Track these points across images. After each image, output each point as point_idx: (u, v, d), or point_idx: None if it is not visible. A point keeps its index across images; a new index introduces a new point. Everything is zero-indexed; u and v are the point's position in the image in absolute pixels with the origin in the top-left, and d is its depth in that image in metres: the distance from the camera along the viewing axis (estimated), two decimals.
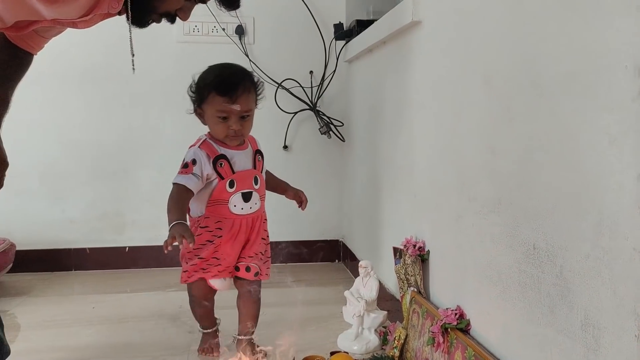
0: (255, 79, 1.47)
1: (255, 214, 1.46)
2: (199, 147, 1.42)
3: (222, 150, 1.42)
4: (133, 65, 1.17)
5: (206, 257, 1.44)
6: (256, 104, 1.46)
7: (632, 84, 0.70)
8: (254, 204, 1.44)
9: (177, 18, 1.11)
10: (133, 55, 1.16)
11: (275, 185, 1.61)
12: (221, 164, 1.41)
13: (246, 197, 1.43)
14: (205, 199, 1.42)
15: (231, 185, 1.42)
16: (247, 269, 1.46)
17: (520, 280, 0.97)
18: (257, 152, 1.49)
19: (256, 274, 1.47)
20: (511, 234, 1.01)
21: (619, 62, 0.73)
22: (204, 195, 1.42)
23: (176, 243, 1.24)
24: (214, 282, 1.47)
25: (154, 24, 1.11)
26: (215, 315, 1.54)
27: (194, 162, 1.39)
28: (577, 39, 0.82)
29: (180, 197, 1.37)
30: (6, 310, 1.88)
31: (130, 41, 1.12)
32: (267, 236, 1.53)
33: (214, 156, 1.41)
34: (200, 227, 1.44)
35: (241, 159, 1.44)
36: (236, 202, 1.42)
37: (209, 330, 1.51)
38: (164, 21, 1.11)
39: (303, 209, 1.59)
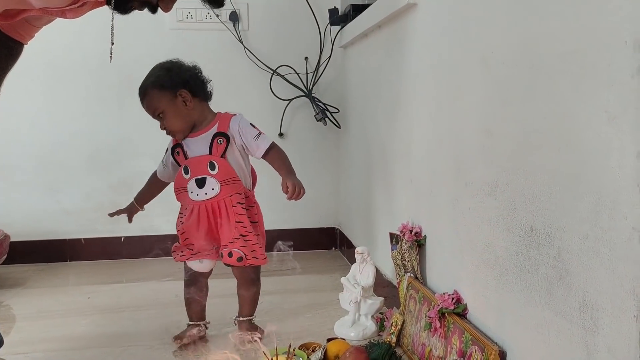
0: (166, 70, 1.44)
1: (214, 199, 1.43)
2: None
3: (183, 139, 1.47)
4: (111, 53, 1.14)
5: (182, 242, 1.50)
6: (176, 96, 1.42)
7: (631, 59, 0.69)
8: (210, 190, 1.43)
9: (160, 9, 1.09)
10: (112, 43, 1.14)
11: (277, 167, 1.49)
12: (177, 152, 1.48)
13: (199, 183, 1.43)
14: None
15: (186, 171, 1.45)
16: (230, 254, 1.45)
17: (518, 263, 0.96)
18: (218, 135, 1.44)
19: (239, 259, 1.45)
20: (508, 216, 0.99)
21: (619, 38, 0.71)
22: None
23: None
24: (191, 264, 1.50)
25: (138, 12, 1.09)
26: (207, 319, 1.53)
27: (166, 150, 1.53)
28: (576, 16, 0.80)
29: (150, 179, 1.59)
30: (1, 301, 1.87)
31: (112, 29, 1.11)
32: (247, 219, 1.45)
33: (171, 146, 1.49)
34: (180, 213, 1.51)
35: (196, 145, 1.45)
36: (192, 188, 1.44)
37: (192, 324, 1.49)
38: (146, 11, 1.09)
39: (287, 199, 1.43)
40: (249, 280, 1.51)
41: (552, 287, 0.86)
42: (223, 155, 1.44)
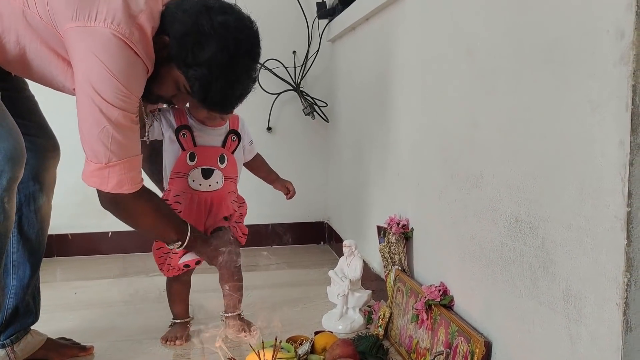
0: None
1: (215, 193, 1.42)
2: (169, 106, 1.40)
3: (191, 121, 1.40)
4: (147, 136, 1.34)
5: None
6: None
7: (614, 48, 0.69)
8: (214, 182, 1.41)
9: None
10: (148, 127, 1.32)
11: (265, 173, 1.60)
12: (184, 135, 1.39)
13: (206, 173, 1.40)
14: (169, 172, 1.42)
15: (191, 158, 1.40)
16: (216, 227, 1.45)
17: (503, 253, 0.97)
18: (232, 132, 1.45)
19: (225, 218, 1.45)
20: (493, 207, 1.00)
21: (602, 27, 0.71)
22: (170, 168, 1.41)
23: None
24: (185, 258, 1.41)
25: None
26: (190, 314, 1.52)
27: (154, 113, 1.39)
28: (560, 6, 0.80)
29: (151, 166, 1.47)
30: None
31: (142, 113, 1.28)
32: (235, 207, 1.49)
33: (178, 124, 1.39)
34: (165, 199, 1.43)
35: (208, 135, 1.41)
36: (195, 177, 1.40)
37: (178, 321, 1.48)
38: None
39: (288, 199, 1.59)
40: (236, 267, 1.46)
41: (537, 277, 0.87)
42: (233, 152, 1.45)
